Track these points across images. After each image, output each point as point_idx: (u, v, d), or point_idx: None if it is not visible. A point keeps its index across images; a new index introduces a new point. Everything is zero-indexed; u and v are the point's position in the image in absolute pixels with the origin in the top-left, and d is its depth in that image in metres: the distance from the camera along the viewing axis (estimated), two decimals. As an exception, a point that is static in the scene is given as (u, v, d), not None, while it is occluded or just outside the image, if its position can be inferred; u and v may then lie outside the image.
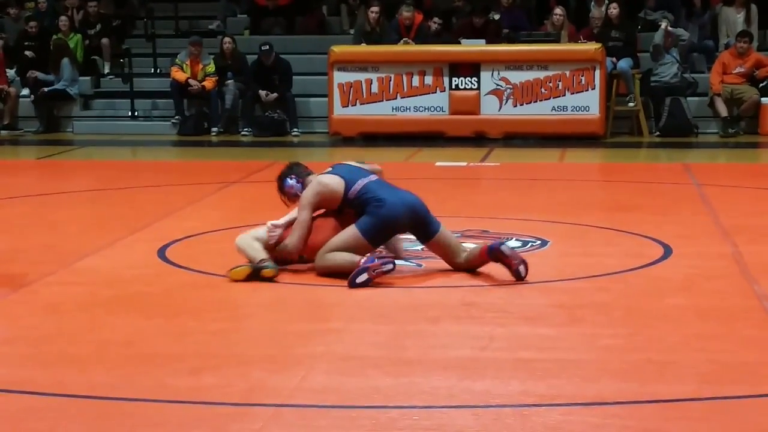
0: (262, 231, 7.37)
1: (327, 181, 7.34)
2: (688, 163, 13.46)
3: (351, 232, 7.17)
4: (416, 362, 5.42)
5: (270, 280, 7.04)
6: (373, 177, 7.41)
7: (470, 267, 7.30)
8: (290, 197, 7.55)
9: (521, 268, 7.04)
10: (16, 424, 4.62)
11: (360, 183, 7.30)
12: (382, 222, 7.17)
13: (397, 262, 7.28)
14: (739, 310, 6.41)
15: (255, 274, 7.06)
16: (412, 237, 7.44)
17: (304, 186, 7.46)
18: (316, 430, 4.55)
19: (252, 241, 7.30)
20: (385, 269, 6.95)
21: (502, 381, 5.13)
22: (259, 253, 7.21)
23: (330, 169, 7.52)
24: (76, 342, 5.82)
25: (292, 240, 7.26)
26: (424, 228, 7.28)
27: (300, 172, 7.56)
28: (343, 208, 7.33)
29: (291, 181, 7.52)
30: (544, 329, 6.02)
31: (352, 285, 6.87)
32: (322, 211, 7.42)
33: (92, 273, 7.47)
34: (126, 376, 5.20)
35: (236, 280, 7.05)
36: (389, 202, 7.18)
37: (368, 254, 7.10)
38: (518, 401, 4.87)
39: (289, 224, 7.36)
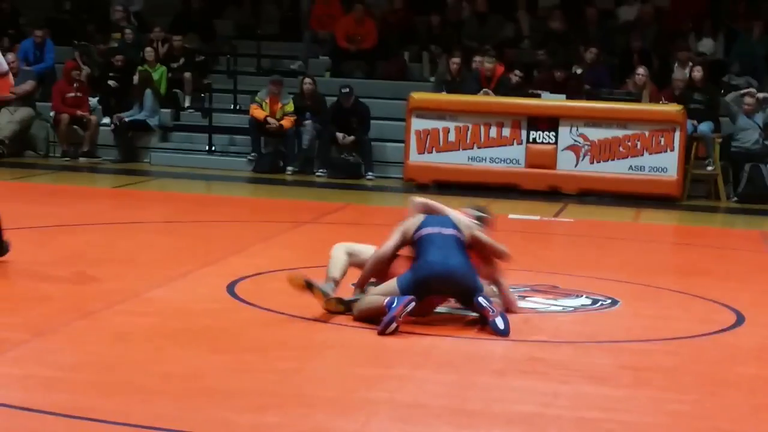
0: (360, 246, 7.59)
1: (408, 224, 7.49)
2: (765, 230, 13.30)
3: (391, 285, 7.19)
4: (478, 414, 5.37)
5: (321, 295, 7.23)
6: (445, 230, 7.34)
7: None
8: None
9: (498, 320, 6.95)
10: (78, 449, 4.64)
11: (426, 230, 7.31)
12: (417, 282, 7.12)
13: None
14: (811, 383, 6.29)
15: (308, 286, 7.29)
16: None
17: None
18: (374, 477, 4.52)
19: (342, 255, 7.53)
20: (408, 309, 6.91)
21: (565, 439, 5.07)
22: (334, 272, 7.42)
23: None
24: (141, 372, 5.84)
25: (367, 263, 7.45)
26: (468, 296, 7.20)
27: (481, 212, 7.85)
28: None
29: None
30: (609, 390, 5.95)
31: (382, 334, 6.83)
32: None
33: (161, 304, 7.51)
34: (189, 409, 5.21)
35: (291, 284, 7.33)
36: (430, 264, 7.16)
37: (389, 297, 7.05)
38: (580, 461, 4.81)
39: None
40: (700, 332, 7.41)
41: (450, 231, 7.38)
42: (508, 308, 7.47)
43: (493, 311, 7.00)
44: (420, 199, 7.93)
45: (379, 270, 7.41)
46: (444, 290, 7.25)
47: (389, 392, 5.66)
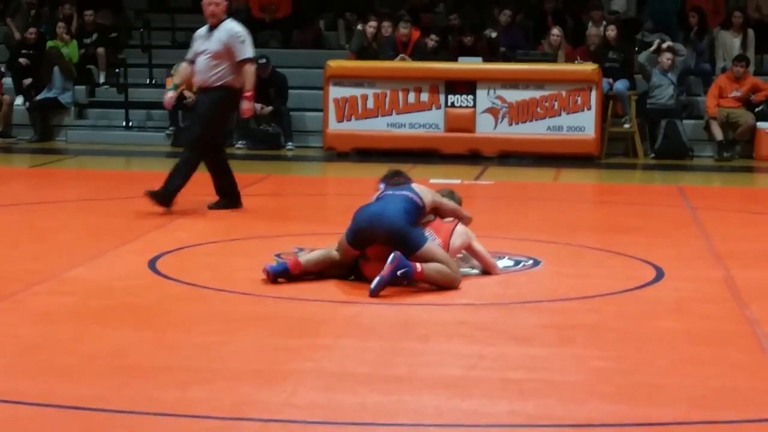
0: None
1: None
2: (682, 185, 13.47)
3: (340, 238, 7.47)
4: (405, 380, 5.39)
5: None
6: (398, 192, 7.54)
7: None
8: None
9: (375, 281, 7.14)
10: (1, 433, 4.59)
11: (383, 192, 7.64)
12: (354, 230, 7.40)
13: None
14: (730, 334, 6.39)
15: None
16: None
17: None
18: (302, 447, 4.52)
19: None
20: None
21: (490, 400, 5.10)
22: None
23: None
24: (63, 352, 5.78)
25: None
26: (402, 247, 7.25)
27: (390, 179, 7.88)
28: None
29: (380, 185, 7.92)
30: (533, 349, 5.99)
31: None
32: None
33: (82, 283, 7.43)
34: (113, 388, 5.16)
35: None
36: (362, 211, 7.47)
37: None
38: (506, 421, 4.85)
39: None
40: (621, 289, 7.49)
41: (402, 192, 7.56)
42: (489, 272, 7.78)
43: (383, 276, 7.08)
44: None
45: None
46: (375, 238, 7.31)
47: (315, 362, 5.66)
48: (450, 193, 8.10)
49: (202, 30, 10.68)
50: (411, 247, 7.25)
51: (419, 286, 7.29)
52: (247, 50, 10.41)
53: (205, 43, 10.51)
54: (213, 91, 10.37)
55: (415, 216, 7.46)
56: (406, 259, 7.12)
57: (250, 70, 10.37)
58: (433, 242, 7.40)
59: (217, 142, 10.70)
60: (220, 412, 4.86)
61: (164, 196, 10.24)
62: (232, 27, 10.50)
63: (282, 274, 7.37)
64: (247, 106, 10.38)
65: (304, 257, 7.50)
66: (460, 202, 8.10)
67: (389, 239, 7.27)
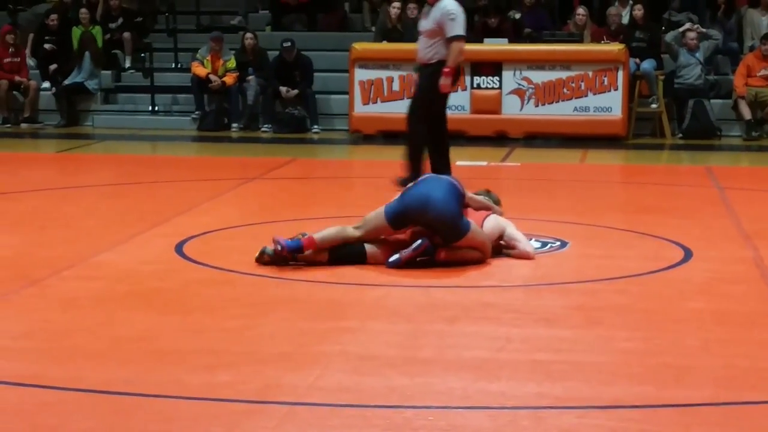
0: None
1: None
2: (710, 165, 13.39)
3: (378, 210, 7.41)
4: (432, 362, 5.38)
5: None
6: (441, 177, 7.70)
7: None
8: None
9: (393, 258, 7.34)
10: (30, 418, 4.61)
11: (424, 176, 7.84)
12: (399, 209, 7.33)
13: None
14: (759, 314, 6.35)
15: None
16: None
17: None
18: (329, 430, 4.52)
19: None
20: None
21: (517, 382, 5.10)
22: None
23: None
24: (91, 337, 5.80)
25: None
26: (447, 234, 7.32)
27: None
28: None
29: None
30: (561, 331, 5.98)
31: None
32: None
33: (109, 268, 7.45)
34: (141, 372, 5.18)
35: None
36: (413, 193, 7.41)
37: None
38: (534, 403, 4.84)
39: None
40: (648, 270, 7.46)
41: (446, 178, 7.67)
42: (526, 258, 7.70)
43: (400, 259, 7.26)
44: None
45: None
46: (421, 222, 7.32)
47: (341, 345, 5.66)
48: (487, 192, 8.12)
49: (425, 8, 11.06)
50: (458, 235, 7.32)
51: (446, 267, 7.32)
52: (457, 28, 10.67)
53: (424, 21, 10.90)
54: (430, 66, 10.68)
55: (460, 203, 7.49)
56: (433, 249, 7.28)
57: (456, 47, 10.63)
58: (474, 226, 7.41)
59: (440, 115, 10.90)
60: (247, 395, 4.87)
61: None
62: (446, 5, 10.76)
63: (295, 251, 7.29)
64: (444, 82, 10.58)
65: (319, 234, 7.35)
66: (498, 201, 8.08)
67: (438, 224, 7.30)
